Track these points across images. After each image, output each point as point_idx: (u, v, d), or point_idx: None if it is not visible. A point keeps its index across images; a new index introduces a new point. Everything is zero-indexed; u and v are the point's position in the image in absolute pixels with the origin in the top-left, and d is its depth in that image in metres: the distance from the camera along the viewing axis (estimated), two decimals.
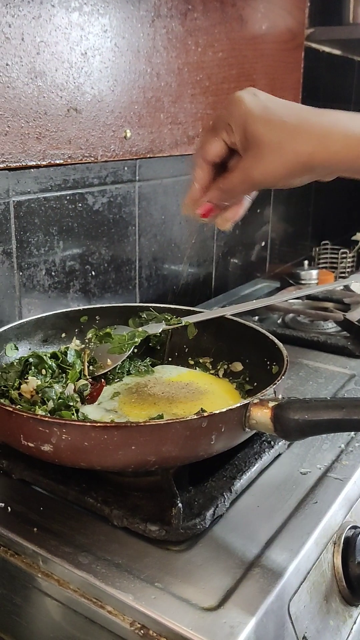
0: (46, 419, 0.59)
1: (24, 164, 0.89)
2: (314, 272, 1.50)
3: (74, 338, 0.89)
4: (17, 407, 0.70)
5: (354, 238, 1.93)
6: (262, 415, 0.61)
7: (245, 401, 0.62)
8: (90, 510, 0.65)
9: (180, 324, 0.90)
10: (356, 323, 1.15)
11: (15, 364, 0.79)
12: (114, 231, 1.09)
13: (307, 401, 0.60)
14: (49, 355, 0.80)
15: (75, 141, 0.97)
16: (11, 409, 0.61)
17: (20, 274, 0.93)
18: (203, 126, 1.25)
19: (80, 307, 0.92)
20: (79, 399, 0.76)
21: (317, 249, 1.84)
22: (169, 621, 0.52)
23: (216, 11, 1.23)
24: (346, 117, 0.57)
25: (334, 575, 0.64)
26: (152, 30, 1.08)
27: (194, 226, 1.27)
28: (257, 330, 0.84)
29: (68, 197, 0.99)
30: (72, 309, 0.91)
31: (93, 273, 1.07)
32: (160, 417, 0.71)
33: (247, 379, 0.84)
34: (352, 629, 0.66)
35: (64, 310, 0.90)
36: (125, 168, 1.09)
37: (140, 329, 0.88)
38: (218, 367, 0.89)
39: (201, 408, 0.71)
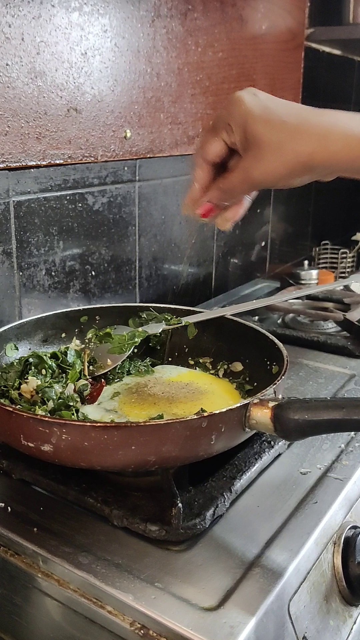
0: (46, 419, 0.59)
1: (24, 164, 0.89)
2: (314, 272, 1.50)
3: (74, 338, 0.89)
4: (17, 407, 0.70)
5: (354, 238, 1.93)
6: (262, 415, 0.61)
7: (245, 401, 0.62)
8: (90, 510, 0.65)
9: (180, 324, 0.90)
10: (356, 323, 1.15)
11: (15, 364, 0.79)
12: (114, 231, 1.09)
13: (307, 401, 0.60)
14: (49, 355, 0.80)
15: (75, 141, 0.97)
16: (11, 409, 0.61)
17: (20, 274, 0.93)
18: (203, 126, 1.25)
19: (80, 307, 0.92)
20: (79, 399, 0.76)
21: (317, 249, 1.84)
22: (169, 621, 0.52)
23: (216, 11, 1.23)
24: (346, 117, 0.57)
25: (334, 575, 0.64)
26: (152, 30, 1.08)
27: (194, 226, 1.26)
28: (257, 330, 0.84)
29: (68, 197, 0.99)
30: (72, 309, 0.91)
31: (93, 273, 1.07)
32: (160, 417, 0.71)
33: (247, 379, 0.84)
34: (352, 629, 0.66)
35: (64, 310, 0.90)
36: (125, 168, 1.09)
37: (140, 329, 0.88)
38: (218, 367, 0.89)
39: (201, 408, 0.71)
